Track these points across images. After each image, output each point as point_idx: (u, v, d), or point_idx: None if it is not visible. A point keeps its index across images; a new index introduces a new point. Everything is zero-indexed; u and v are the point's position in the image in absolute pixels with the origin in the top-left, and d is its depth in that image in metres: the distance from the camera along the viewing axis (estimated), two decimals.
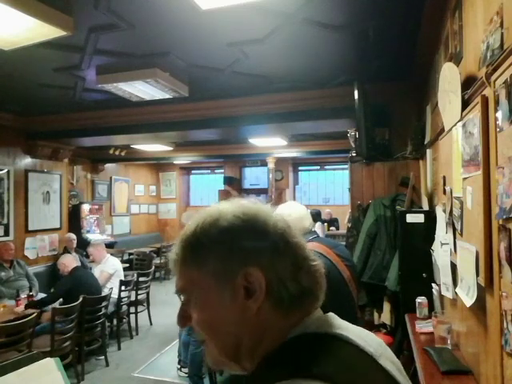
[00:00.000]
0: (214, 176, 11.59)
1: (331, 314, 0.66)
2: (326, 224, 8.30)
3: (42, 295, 4.63)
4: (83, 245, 6.43)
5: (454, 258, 1.94)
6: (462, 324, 1.99)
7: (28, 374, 1.00)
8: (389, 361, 0.62)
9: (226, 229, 0.63)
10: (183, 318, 0.66)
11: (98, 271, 5.00)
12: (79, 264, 4.65)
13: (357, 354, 0.59)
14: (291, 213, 2.04)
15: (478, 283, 1.48)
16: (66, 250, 5.86)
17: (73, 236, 6.13)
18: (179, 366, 4.11)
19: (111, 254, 5.59)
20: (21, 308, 3.95)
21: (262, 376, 0.58)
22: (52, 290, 4.37)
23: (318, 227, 6.06)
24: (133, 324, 5.28)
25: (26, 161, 5.72)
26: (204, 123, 4.74)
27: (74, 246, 6.05)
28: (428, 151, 3.05)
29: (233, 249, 0.62)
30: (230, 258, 0.62)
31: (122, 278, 5.17)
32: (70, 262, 4.40)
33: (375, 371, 0.59)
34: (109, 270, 5.07)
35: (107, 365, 4.29)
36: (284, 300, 0.61)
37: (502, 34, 1.22)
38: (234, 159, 9.85)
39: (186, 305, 0.65)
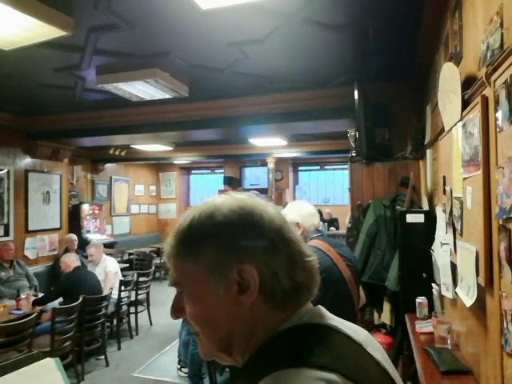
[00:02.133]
0: (214, 176, 11.58)
1: (320, 307, 0.67)
2: (326, 224, 8.31)
3: (42, 295, 4.63)
4: (83, 245, 6.44)
5: (454, 257, 1.94)
6: (461, 324, 1.99)
7: (28, 374, 1.00)
8: (376, 350, 0.64)
9: (221, 223, 0.62)
10: (176, 309, 0.66)
11: (99, 272, 4.98)
12: (80, 264, 4.66)
13: (347, 342, 0.60)
14: (305, 209, 2.12)
15: (478, 283, 1.48)
16: (67, 251, 5.86)
17: (74, 237, 6.13)
18: (179, 366, 4.11)
19: (111, 254, 5.59)
20: (27, 305, 4.03)
21: (255, 368, 0.58)
22: (52, 288, 4.38)
23: (320, 227, 6.06)
24: (133, 324, 5.28)
25: (26, 161, 5.72)
26: (204, 123, 4.74)
27: (75, 246, 6.05)
28: (428, 151, 3.05)
29: (228, 244, 0.61)
30: (224, 253, 0.61)
31: (121, 278, 5.18)
32: (72, 260, 4.41)
33: (365, 358, 0.60)
34: (112, 270, 5.08)
35: (107, 365, 4.28)
36: (277, 295, 0.61)
37: (502, 34, 1.22)
38: (234, 159, 9.84)
39: (179, 297, 0.66)
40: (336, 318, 0.66)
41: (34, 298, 4.21)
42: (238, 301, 0.61)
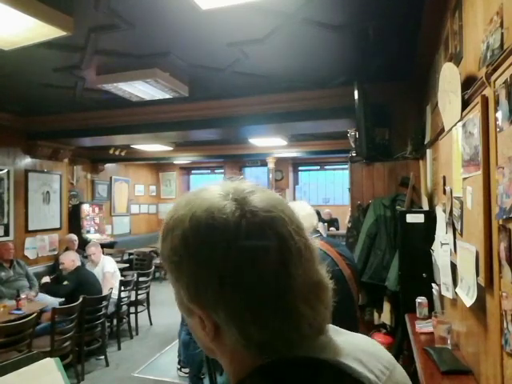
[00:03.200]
0: (214, 176, 11.59)
1: (331, 327, 0.55)
2: (325, 224, 8.32)
3: (42, 295, 4.63)
4: (83, 245, 6.45)
5: (454, 258, 1.94)
6: (461, 324, 1.99)
7: (28, 374, 1.00)
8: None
9: (174, 248, 0.53)
10: None
11: (97, 272, 4.98)
12: (80, 264, 4.67)
13: None
14: (303, 209, 2.14)
15: (478, 283, 1.48)
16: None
17: (74, 237, 6.13)
18: (179, 366, 4.11)
19: (111, 254, 5.59)
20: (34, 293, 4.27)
21: None
22: (65, 283, 4.42)
23: (320, 227, 6.12)
24: (133, 324, 5.28)
25: (26, 161, 5.73)
26: (204, 123, 4.74)
27: (76, 246, 6.04)
28: (428, 151, 3.05)
29: (177, 278, 0.53)
30: (177, 285, 0.54)
31: (120, 278, 5.18)
32: (75, 259, 4.46)
33: None
34: (110, 270, 5.09)
35: (107, 365, 4.28)
36: (238, 344, 0.50)
37: (502, 34, 1.22)
38: (234, 159, 9.84)
39: None
40: (351, 345, 0.54)
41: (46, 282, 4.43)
42: (204, 333, 0.53)
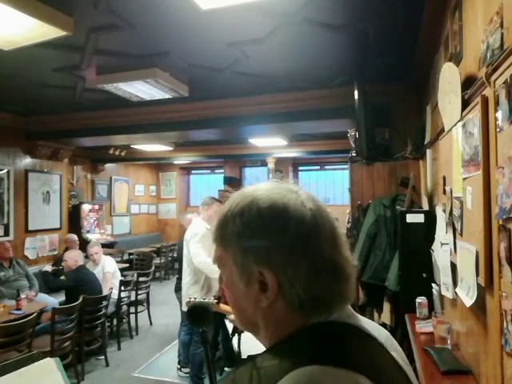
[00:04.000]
0: (214, 176, 11.58)
1: (349, 306, 0.67)
2: None
3: (42, 295, 4.63)
4: (84, 245, 6.44)
5: (454, 258, 1.94)
6: (462, 324, 1.99)
7: (28, 374, 1.00)
8: (394, 350, 0.66)
9: (246, 223, 0.63)
10: (221, 282, 0.72)
11: (97, 272, 4.98)
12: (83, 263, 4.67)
13: (372, 343, 0.62)
14: None
15: (478, 283, 1.48)
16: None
17: (75, 237, 6.12)
18: (179, 366, 4.11)
19: (111, 254, 5.58)
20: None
21: (278, 360, 0.58)
22: (62, 277, 4.43)
23: None
24: (133, 324, 5.28)
25: (26, 161, 5.73)
26: (204, 123, 4.74)
27: (77, 246, 6.03)
28: (428, 151, 3.05)
29: (249, 245, 0.63)
30: (245, 253, 0.63)
31: (120, 278, 5.18)
32: (80, 258, 4.47)
33: (389, 362, 0.62)
34: (110, 270, 5.08)
35: (107, 365, 4.28)
36: (295, 304, 0.61)
37: (502, 34, 1.22)
38: (234, 159, 9.84)
39: (221, 276, 0.71)
40: (362, 318, 0.67)
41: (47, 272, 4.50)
42: (259, 299, 0.62)
